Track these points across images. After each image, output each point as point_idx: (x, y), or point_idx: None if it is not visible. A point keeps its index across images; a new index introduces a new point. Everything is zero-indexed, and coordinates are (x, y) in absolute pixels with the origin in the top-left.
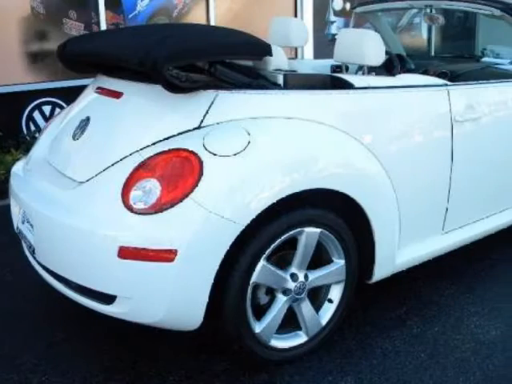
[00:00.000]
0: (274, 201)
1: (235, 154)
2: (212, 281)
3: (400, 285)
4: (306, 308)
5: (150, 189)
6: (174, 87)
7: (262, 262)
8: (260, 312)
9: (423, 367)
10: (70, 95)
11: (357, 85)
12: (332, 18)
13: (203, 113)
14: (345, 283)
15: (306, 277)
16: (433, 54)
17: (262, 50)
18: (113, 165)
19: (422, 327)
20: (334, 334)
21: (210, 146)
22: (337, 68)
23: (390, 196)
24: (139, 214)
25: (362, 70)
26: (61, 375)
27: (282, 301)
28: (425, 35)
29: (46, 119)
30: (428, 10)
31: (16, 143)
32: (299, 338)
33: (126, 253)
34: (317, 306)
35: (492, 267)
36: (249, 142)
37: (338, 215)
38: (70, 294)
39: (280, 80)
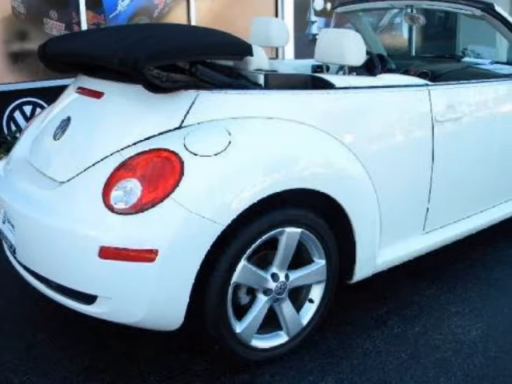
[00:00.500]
0: (255, 201)
1: (216, 154)
2: (193, 281)
3: (381, 285)
4: (286, 308)
5: (131, 189)
6: (155, 87)
7: (242, 262)
8: (241, 312)
9: (404, 367)
10: (51, 95)
11: (338, 85)
12: (313, 18)
13: (184, 113)
14: (325, 283)
15: (286, 277)
16: (414, 53)
17: (243, 49)
18: (93, 165)
19: (402, 327)
20: (315, 334)
21: (191, 146)
22: (318, 68)
23: (370, 196)
24: (120, 213)
25: (343, 70)
26: (42, 375)
27: (262, 301)
28: (406, 35)
29: (27, 119)
30: (409, 10)
31: None
32: (280, 338)
33: (106, 253)
34: (298, 306)
35: (473, 267)
36: (229, 142)
37: (319, 215)
38: (51, 294)
39: (261, 80)
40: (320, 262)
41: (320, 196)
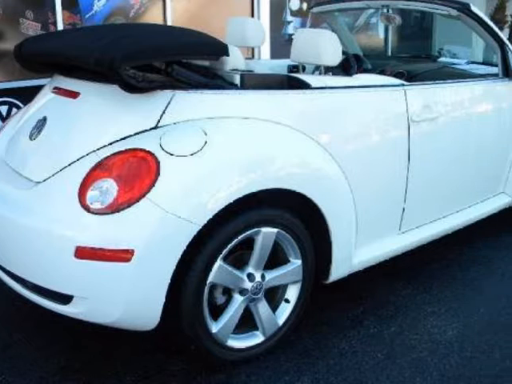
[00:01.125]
0: (231, 201)
1: (192, 154)
2: (169, 281)
3: (357, 285)
4: (262, 308)
5: (107, 189)
6: (131, 87)
7: (218, 262)
8: (217, 312)
9: (380, 367)
10: (27, 95)
11: (313, 85)
12: (289, 18)
13: (160, 113)
14: (301, 283)
15: (262, 277)
16: (390, 53)
17: (219, 49)
18: (70, 165)
19: (378, 327)
20: (291, 334)
21: (167, 146)
22: (294, 68)
23: (346, 196)
24: (96, 213)
25: (319, 70)
26: (18, 375)
27: (238, 301)
28: (382, 35)
29: (3, 119)
30: (385, 10)
31: None
32: (256, 338)
33: (82, 253)
34: (274, 306)
35: (449, 267)
36: (205, 142)
37: (295, 215)
38: (27, 294)
39: (237, 80)
40: (296, 262)
41: (296, 196)
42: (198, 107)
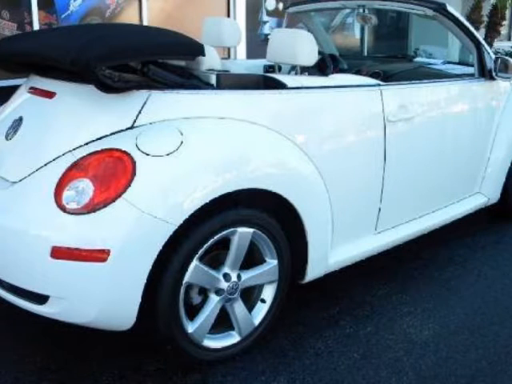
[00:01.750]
0: (207, 201)
1: (168, 154)
2: (145, 281)
3: (333, 285)
4: (238, 308)
5: (83, 189)
6: (107, 87)
7: (194, 262)
8: (193, 312)
9: (356, 367)
10: (3, 95)
11: (289, 85)
12: (265, 17)
13: (136, 113)
14: (277, 283)
15: (238, 277)
16: (366, 54)
17: (195, 49)
18: (46, 165)
19: (354, 327)
20: (267, 334)
21: (143, 146)
22: (270, 68)
23: (322, 196)
24: (72, 213)
25: (295, 70)
26: None
27: (214, 301)
28: (358, 35)
29: None
30: (361, 10)
31: None
32: (232, 338)
33: (58, 253)
34: (250, 306)
35: (425, 267)
36: (181, 142)
37: (271, 215)
38: (3, 293)
39: (213, 80)
40: (272, 262)
41: (272, 196)
42: (174, 107)
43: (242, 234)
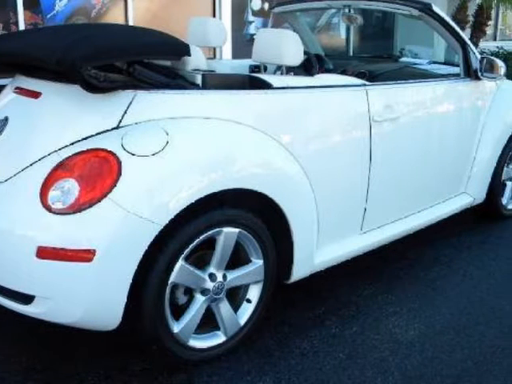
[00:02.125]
0: (193, 201)
1: (153, 154)
2: (130, 281)
3: (318, 285)
4: (224, 308)
5: (69, 189)
6: (93, 87)
7: (180, 262)
8: (178, 312)
9: (342, 367)
10: None
11: (275, 85)
12: (250, 17)
13: (121, 113)
14: (263, 283)
15: (224, 277)
16: (351, 54)
17: (181, 49)
18: (31, 165)
19: (340, 327)
20: (253, 334)
21: (129, 146)
22: (255, 68)
23: (308, 196)
24: (58, 213)
25: (281, 70)
26: None
27: (200, 301)
28: (343, 35)
29: None
30: (346, 10)
31: None
32: (218, 338)
33: (44, 253)
34: (235, 306)
35: (410, 267)
36: (167, 142)
37: (257, 215)
38: None
39: (198, 80)
40: (258, 262)
41: (258, 196)
42: (160, 107)
43: (228, 234)
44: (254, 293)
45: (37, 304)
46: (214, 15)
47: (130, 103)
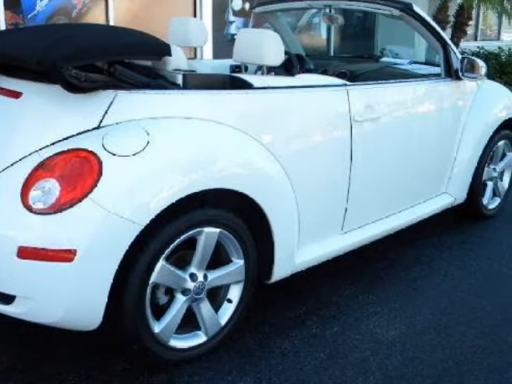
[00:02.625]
0: (173, 201)
1: (134, 154)
2: (111, 281)
3: (299, 285)
4: (205, 308)
5: (49, 189)
6: (73, 87)
7: (161, 262)
8: (159, 312)
9: (322, 367)
10: None
11: (256, 85)
12: (231, 17)
13: (102, 113)
14: (244, 283)
15: (205, 277)
16: (332, 54)
17: (161, 49)
18: (12, 165)
19: (321, 327)
20: (234, 334)
21: (109, 146)
22: (236, 68)
23: (289, 196)
24: (38, 213)
25: (262, 70)
26: None
27: (181, 301)
28: (324, 35)
29: None
30: (327, 10)
31: None
32: (198, 338)
33: (25, 253)
34: (216, 306)
35: (391, 267)
36: (148, 142)
37: (238, 215)
38: None
39: (179, 80)
40: (238, 262)
41: (238, 196)
42: (141, 107)
43: (209, 234)
44: (234, 293)
45: (18, 304)
46: (195, 15)
47: (111, 103)
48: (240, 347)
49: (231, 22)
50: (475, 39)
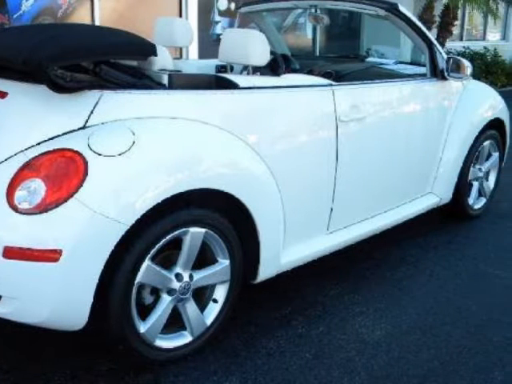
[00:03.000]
0: (159, 201)
1: (120, 154)
2: (97, 281)
3: (285, 285)
4: (190, 308)
5: (35, 189)
6: (59, 87)
7: (146, 262)
8: (145, 312)
9: (308, 367)
10: None
11: (241, 85)
12: (217, 17)
13: (88, 113)
14: (229, 283)
15: (190, 277)
16: (318, 54)
17: (147, 49)
18: None
19: (306, 327)
20: (219, 334)
21: (95, 146)
22: (222, 68)
23: (274, 196)
24: (24, 213)
25: (247, 70)
26: None
27: (166, 301)
28: (310, 35)
29: None
30: (313, 10)
31: None
32: (184, 338)
33: (11, 253)
34: (202, 306)
35: (377, 267)
36: (133, 142)
37: (223, 215)
38: None
39: (165, 80)
40: (224, 262)
41: (224, 196)
42: (126, 107)
43: (194, 234)
44: (220, 293)
45: (3, 304)
46: (181, 15)
47: (97, 103)
48: (226, 347)
49: (217, 22)
50: (461, 39)
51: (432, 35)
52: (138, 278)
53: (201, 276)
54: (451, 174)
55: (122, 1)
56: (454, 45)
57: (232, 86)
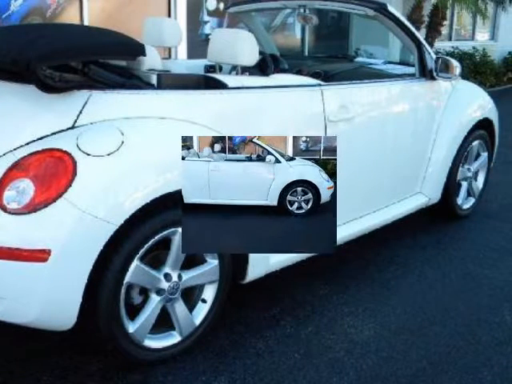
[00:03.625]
0: (148, 201)
1: (109, 154)
2: (86, 281)
3: (273, 285)
4: (179, 308)
5: (24, 189)
6: (48, 87)
7: (135, 262)
8: (134, 312)
9: (297, 367)
10: None
11: (230, 85)
12: (206, 17)
13: (77, 113)
14: (218, 283)
15: (179, 277)
16: (307, 54)
17: (136, 49)
18: None
19: (295, 327)
20: (208, 334)
21: (84, 146)
22: (210, 68)
23: None
24: (13, 213)
25: (236, 70)
26: None
27: (155, 301)
28: (298, 35)
29: None
30: (302, 10)
31: None
32: (173, 338)
33: None
34: (190, 306)
35: (366, 267)
36: (122, 142)
37: None
38: None
39: (153, 80)
40: (213, 262)
41: None
42: (115, 107)
43: None
44: (209, 293)
45: None
46: (169, 15)
47: (85, 103)
48: (214, 347)
49: (205, 22)
50: (450, 39)
51: (421, 35)
52: (127, 278)
53: (190, 276)
54: (440, 173)
55: (110, 1)
56: (442, 45)
57: (221, 85)
